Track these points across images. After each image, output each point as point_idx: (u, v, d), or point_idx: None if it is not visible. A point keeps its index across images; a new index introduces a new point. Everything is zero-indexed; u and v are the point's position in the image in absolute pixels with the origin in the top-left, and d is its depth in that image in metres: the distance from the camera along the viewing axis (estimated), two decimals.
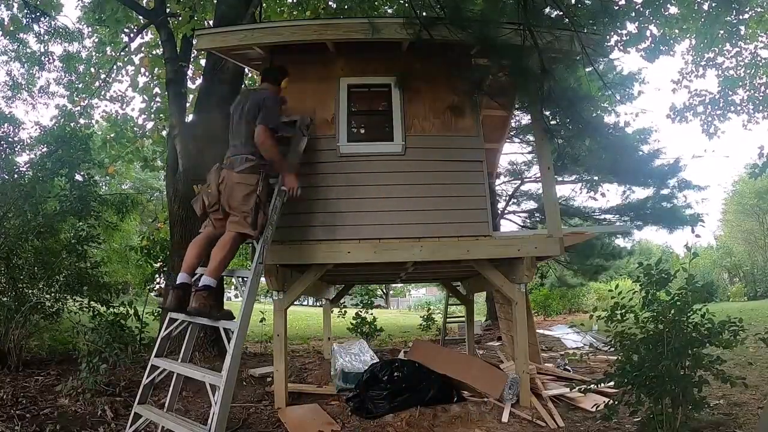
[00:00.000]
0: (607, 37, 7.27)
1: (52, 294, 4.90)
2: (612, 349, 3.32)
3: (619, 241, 12.18)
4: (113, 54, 9.99)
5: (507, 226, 12.63)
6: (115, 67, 10.07)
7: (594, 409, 3.43)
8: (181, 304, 3.21)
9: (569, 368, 5.53)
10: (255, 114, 3.52)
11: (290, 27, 4.54)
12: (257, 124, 3.48)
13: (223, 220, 3.44)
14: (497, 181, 11.94)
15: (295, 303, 4.99)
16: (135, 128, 10.16)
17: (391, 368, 4.22)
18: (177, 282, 3.27)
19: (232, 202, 3.36)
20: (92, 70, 10.19)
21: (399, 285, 30.03)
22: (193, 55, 8.11)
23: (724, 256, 26.52)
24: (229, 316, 3.19)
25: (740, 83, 10.53)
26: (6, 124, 5.40)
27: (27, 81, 10.77)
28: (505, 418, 3.81)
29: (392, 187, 4.33)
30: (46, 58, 10.11)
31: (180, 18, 7.66)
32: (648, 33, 8.47)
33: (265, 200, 3.41)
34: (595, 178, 11.26)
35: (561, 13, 4.42)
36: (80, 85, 10.11)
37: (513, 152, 12.80)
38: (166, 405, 3.26)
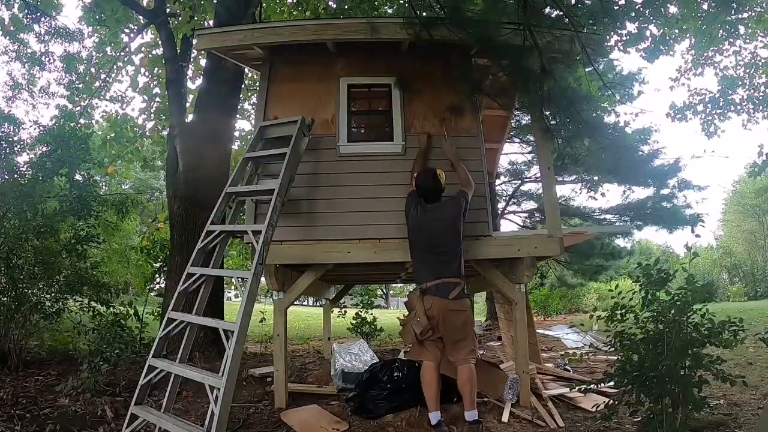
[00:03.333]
0: (607, 37, 7.27)
1: (52, 294, 4.89)
2: (612, 349, 3.31)
3: (619, 241, 12.17)
4: (113, 54, 9.99)
5: (507, 226, 12.63)
6: (115, 67, 10.08)
7: (594, 409, 3.43)
8: None
9: (569, 368, 5.53)
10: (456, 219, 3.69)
11: (290, 27, 4.53)
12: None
13: (440, 342, 3.57)
14: (497, 181, 11.93)
15: (295, 303, 4.98)
16: (135, 128, 10.16)
17: (391, 368, 4.22)
18: (435, 423, 3.42)
19: (452, 330, 3.51)
20: (92, 70, 10.19)
21: (399, 285, 30.01)
22: (193, 55, 8.12)
23: (724, 256, 26.54)
24: None
25: (740, 83, 10.53)
26: (6, 124, 5.39)
27: (28, 81, 10.77)
28: (505, 418, 3.81)
29: (392, 187, 4.32)
30: (47, 58, 10.11)
31: (180, 18, 7.66)
32: (648, 33, 8.47)
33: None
34: (595, 178, 11.26)
35: (561, 13, 4.42)
36: (80, 85, 10.11)
37: (513, 152, 12.79)
38: (164, 406, 3.20)
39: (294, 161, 3.93)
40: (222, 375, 2.85)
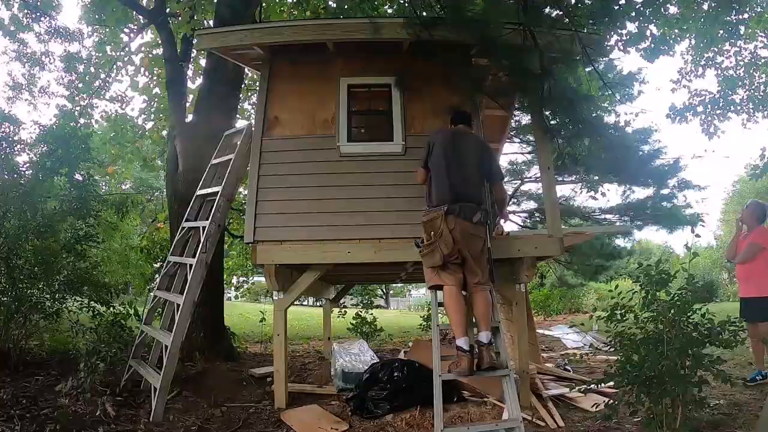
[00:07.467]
0: (607, 37, 7.26)
1: (52, 294, 4.89)
2: (612, 349, 3.32)
3: (619, 241, 12.15)
4: (113, 54, 9.99)
5: (507, 226, 12.56)
6: (115, 67, 10.06)
7: (594, 409, 3.43)
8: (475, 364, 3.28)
9: (569, 368, 5.53)
10: (485, 163, 3.69)
11: (290, 27, 4.54)
12: (498, 181, 3.86)
13: (460, 266, 3.42)
14: None
15: (295, 303, 4.99)
16: (135, 128, 10.16)
17: (391, 368, 4.22)
18: (465, 348, 3.25)
19: (473, 254, 3.41)
20: (92, 69, 10.18)
21: (399, 285, 30.01)
22: (193, 55, 8.12)
23: (724, 255, 26.49)
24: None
25: (740, 83, 10.52)
26: (6, 124, 5.38)
27: (28, 81, 10.76)
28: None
29: (392, 187, 4.33)
30: (47, 58, 10.11)
31: (180, 18, 7.66)
32: (648, 33, 8.46)
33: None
34: (596, 178, 11.24)
35: (561, 13, 4.42)
36: (80, 85, 10.11)
37: (513, 152, 12.78)
38: (149, 361, 4.44)
39: (238, 166, 4.49)
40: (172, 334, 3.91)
